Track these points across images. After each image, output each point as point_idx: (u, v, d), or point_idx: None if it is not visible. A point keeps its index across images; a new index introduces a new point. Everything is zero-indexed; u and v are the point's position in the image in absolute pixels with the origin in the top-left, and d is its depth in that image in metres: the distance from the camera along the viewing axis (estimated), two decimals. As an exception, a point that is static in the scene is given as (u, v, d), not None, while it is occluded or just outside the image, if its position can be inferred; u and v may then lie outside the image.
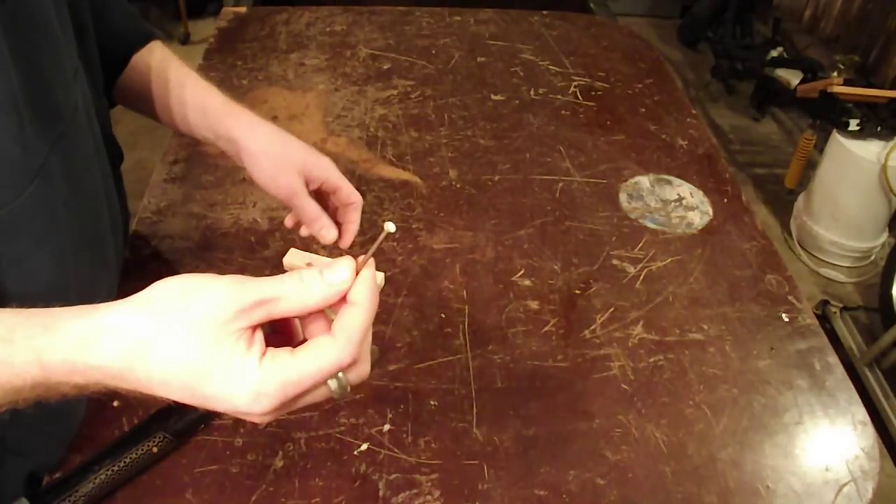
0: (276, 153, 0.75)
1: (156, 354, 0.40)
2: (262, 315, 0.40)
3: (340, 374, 0.42)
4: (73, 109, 0.65)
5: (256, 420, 0.41)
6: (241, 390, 0.39)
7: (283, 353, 0.41)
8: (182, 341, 0.39)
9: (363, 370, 0.43)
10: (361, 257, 0.43)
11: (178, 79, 0.80)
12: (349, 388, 0.42)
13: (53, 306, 0.42)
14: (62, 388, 0.41)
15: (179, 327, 0.40)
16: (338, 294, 0.43)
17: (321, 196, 0.77)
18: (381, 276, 0.86)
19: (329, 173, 0.76)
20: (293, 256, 0.79)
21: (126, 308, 0.41)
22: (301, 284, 0.42)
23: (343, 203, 0.76)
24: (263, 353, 0.40)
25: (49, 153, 0.60)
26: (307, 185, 0.75)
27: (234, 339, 0.40)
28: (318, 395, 0.42)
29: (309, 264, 0.78)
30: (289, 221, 0.80)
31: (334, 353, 0.41)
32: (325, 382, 0.41)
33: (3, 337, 0.40)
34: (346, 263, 0.42)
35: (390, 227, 0.43)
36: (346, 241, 0.76)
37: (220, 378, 0.39)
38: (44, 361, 0.40)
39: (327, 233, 0.75)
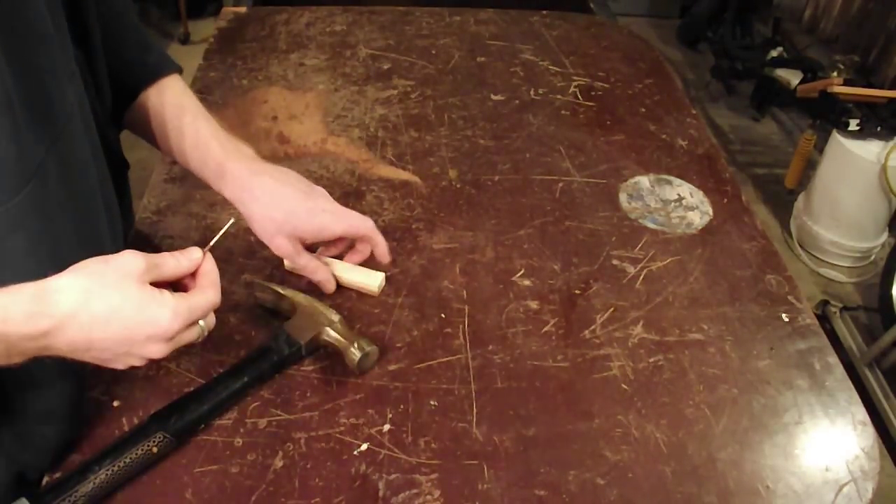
0: (266, 219, 0.79)
1: (99, 297, 0.55)
2: (156, 274, 0.60)
3: (201, 322, 0.63)
4: (70, 112, 0.65)
5: (162, 347, 0.59)
6: (165, 311, 0.58)
7: (183, 294, 0.62)
8: (116, 286, 0.56)
9: (212, 319, 0.65)
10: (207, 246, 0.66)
11: (181, 128, 0.81)
12: (206, 332, 0.64)
13: None
14: (19, 344, 0.53)
15: (111, 279, 0.56)
16: (195, 264, 0.64)
17: None
18: (381, 276, 0.87)
19: (322, 235, 0.82)
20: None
21: (66, 273, 0.56)
22: (174, 259, 0.62)
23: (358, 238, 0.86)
24: (171, 294, 0.60)
25: (45, 155, 0.60)
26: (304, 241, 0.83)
27: (148, 284, 0.59)
28: (192, 334, 0.62)
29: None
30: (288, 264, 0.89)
31: (212, 292, 0.63)
32: (197, 323, 0.62)
33: None
34: (198, 249, 0.65)
35: (231, 222, 0.70)
36: (385, 259, 0.87)
37: (149, 306, 0.58)
38: (6, 315, 0.52)
39: (326, 285, 0.86)
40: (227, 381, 0.72)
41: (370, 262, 0.88)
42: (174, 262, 0.62)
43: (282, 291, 0.82)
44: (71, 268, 0.56)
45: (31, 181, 0.58)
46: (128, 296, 0.57)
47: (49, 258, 0.61)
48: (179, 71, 0.86)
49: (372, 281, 0.87)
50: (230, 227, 0.69)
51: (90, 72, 0.74)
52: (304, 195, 0.81)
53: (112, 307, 0.56)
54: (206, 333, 0.64)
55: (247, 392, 0.74)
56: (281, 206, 0.79)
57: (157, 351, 0.59)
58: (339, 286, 0.87)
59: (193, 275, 0.64)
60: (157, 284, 0.60)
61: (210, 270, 0.65)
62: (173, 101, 0.82)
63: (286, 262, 0.89)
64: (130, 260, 0.58)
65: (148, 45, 0.85)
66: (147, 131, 0.84)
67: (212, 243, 0.66)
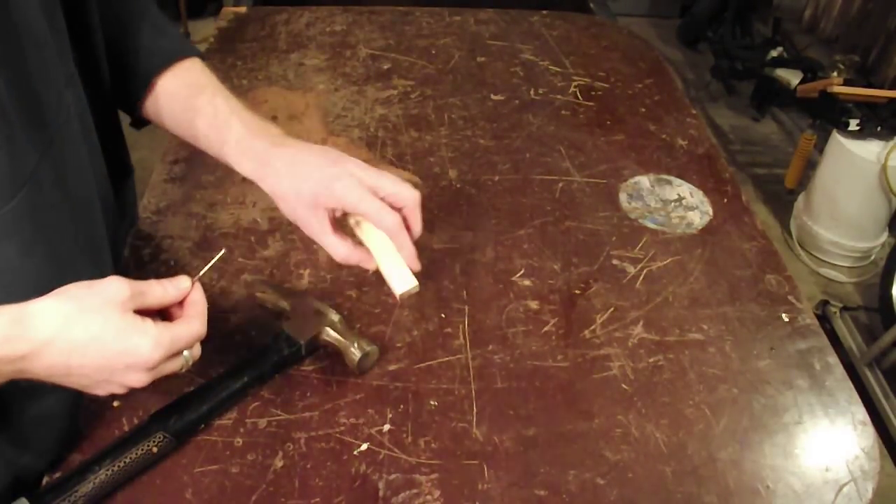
0: (287, 194, 0.70)
1: (78, 324, 0.54)
2: (140, 301, 0.58)
3: (186, 352, 0.61)
4: (66, 116, 0.64)
5: (142, 376, 0.58)
6: (146, 341, 0.56)
7: (167, 323, 0.59)
8: (98, 312, 0.55)
9: (198, 350, 0.63)
10: (196, 276, 0.64)
11: (197, 107, 0.75)
12: (191, 362, 0.62)
13: None
14: None
15: (93, 305, 0.55)
16: (183, 293, 0.62)
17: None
18: (413, 283, 0.72)
19: (346, 201, 0.69)
20: None
21: (47, 297, 0.54)
22: (161, 287, 0.60)
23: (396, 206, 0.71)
24: (154, 323, 0.58)
25: (39, 160, 0.59)
26: (333, 212, 0.71)
27: (132, 312, 0.57)
28: (175, 364, 0.60)
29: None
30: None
31: (198, 323, 0.61)
32: (181, 353, 0.60)
33: None
34: (186, 278, 0.62)
35: (221, 252, 0.67)
36: (416, 231, 0.74)
37: (130, 335, 0.56)
38: None
39: (366, 264, 0.73)
40: (227, 382, 0.72)
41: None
42: (161, 291, 0.60)
43: (281, 292, 0.82)
44: (54, 292, 0.55)
45: (24, 187, 0.57)
46: (109, 323, 0.55)
47: (46, 263, 0.61)
48: (199, 55, 0.80)
49: (399, 285, 0.71)
50: (220, 258, 0.66)
51: (90, 73, 0.73)
52: (329, 161, 0.70)
53: (91, 334, 0.54)
54: (190, 364, 0.62)
55: (247, 392, 0.74)
56: (299, 173, 0.69)
57: (137, 380, 0.58)
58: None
59: (181, 303, 0.62)
60: (143, 312, 0.58)
61: (198, 301, 0.62)
62: (189, 82, 0.77)
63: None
64: (115, 286, 0.56)
65: (163, 29, 0.80)
66: (162, 117, 0.78)
67: (201, 273, 0.64)
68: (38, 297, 0.54)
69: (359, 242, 0.73)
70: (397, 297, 0.72)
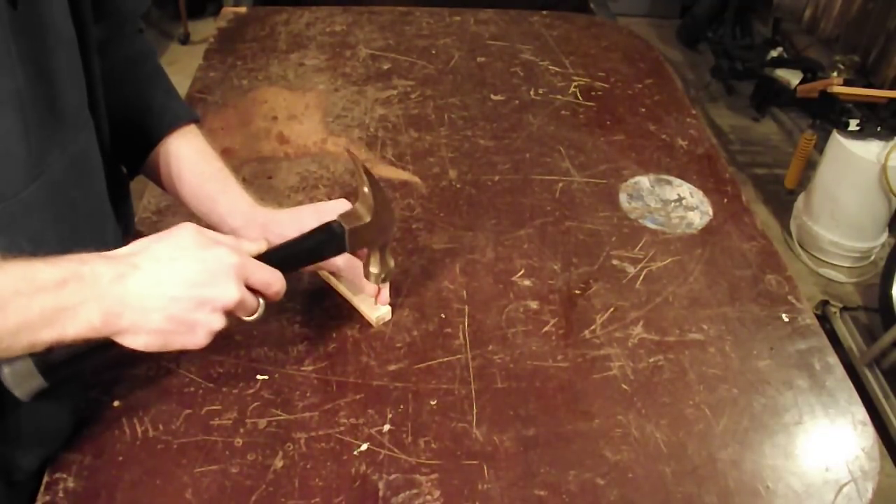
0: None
1: (159, 242, 0.61)
2: (208, 235, 0.63)
3: (261, 301, 0.64)
4: (85, 118, 0.66)
5: (231, 288, 0.60)
6: (222, 249, 0.61)
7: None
8: (172, 234, 0.62)
9: (279, 294, 0.66)
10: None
11: (207, 172, 0.81)
12: (262, 311, 0.65)
13: None
14: (98, 299, 0.56)
15: (165, 234, 0.62)
16: (257, 250, 0.66)
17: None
18: (385, 309, 0.84)
19: (329, 265, 0.80)
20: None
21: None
22: (232, 238, 0.65)
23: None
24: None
25: (56, 155, 0.61)
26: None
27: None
28: (251, 303, 0.63)
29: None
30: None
31: (276, 274, 0.65)
32: (257, 296, 0.64)
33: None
34: (264, 241, 0.68)
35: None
36: (382, 299, 0.83)
37: (208, 243, 0.61)
38: (94, 271, 0.56)
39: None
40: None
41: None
42: (231, 239, 0.64)
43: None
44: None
45: (36, 180, 0.59)
46: (185, 237, 0.61)
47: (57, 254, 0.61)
48: (197, 120, 0.85)
49: (372, 312, 0.83)
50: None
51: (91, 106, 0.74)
52: (311, 209, 0.79)
53: (174, 244, 0.60)
54: (261, 312, 0.64)
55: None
56: (277, 220, 0.78)
57: (227, 289, 0.60)
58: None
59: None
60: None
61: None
62: (198, 147, 0.82)
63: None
64: (183, 224, 0.62)
65: (171, 91, 0.84)
66: (162, 177, 0.82)
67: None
68: None
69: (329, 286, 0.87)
70: (374, 322, 0.83)
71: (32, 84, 0.57)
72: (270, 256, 0.68)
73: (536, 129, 1.20)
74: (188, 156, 0.80)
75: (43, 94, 0.59)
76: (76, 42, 0.64)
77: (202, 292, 0.59)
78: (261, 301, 0.64)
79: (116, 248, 0.69)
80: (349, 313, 0.85)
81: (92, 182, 0.68)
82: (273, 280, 0.65)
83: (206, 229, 0.63)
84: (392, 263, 0.80)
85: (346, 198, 0.99)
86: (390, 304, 0.85)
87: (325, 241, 0.73)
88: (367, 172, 0.74)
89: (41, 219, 0.61)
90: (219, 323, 0.61)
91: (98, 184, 0.70)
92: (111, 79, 0.73)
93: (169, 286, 0.58)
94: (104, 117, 0.77)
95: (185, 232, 0.61)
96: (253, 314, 0.64)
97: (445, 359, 0.81)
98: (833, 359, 0.86)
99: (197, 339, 0.60)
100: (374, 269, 0.78)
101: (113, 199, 0.76)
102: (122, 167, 0.85)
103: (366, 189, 0.74)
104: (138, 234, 0.93)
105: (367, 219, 0.74)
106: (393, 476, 0.69)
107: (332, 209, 0.76)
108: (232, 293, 0.60)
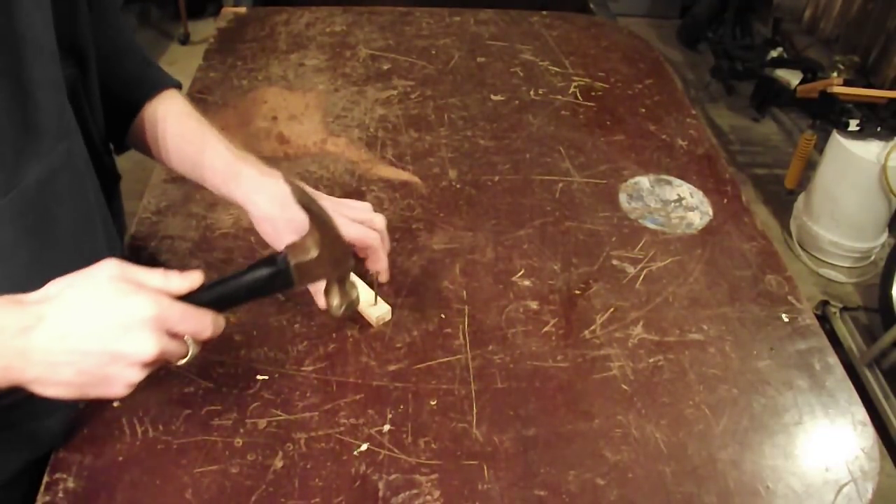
0: (275, 218, 0.75)
1: (73, 288, 0.55)
2: (132, 276, 0.58)
3: (190, 341, 0.60)
4: (66, 126, 0.65)
5: (147, 343, 0.55)
6: (142, 297, 0.55)
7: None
8: (90, 278, 0.56)
9: (200, 344, 0.62)
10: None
11: (184, 134, 0.80)
12: (193, 353, 0.61)
13: None
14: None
15: (84, 276, 0.56)
16: (189, 287, 0.61)
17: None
18: (385, 308, 0.83)
19: None
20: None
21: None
22: (161, 275, 0.59)
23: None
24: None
25: (32, 167, 0.60)
26: None
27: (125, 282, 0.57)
28: (178, 348, 0.59)
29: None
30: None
31: (208, 315, 0.60)
32: (184, 338, 0.59)
33: None
34: (200, 274, 0.62)
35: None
36: (383, 277, 0.82)
37: (126, 293, 0.55)
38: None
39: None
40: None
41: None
42: (159, 278, 0.59)
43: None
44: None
45: (11, 192, 0.58)
46: (102, 287, 0.55)
47: (21, 271, 0.62)
48: (178, 86, 0.86)
49: (373, 311, 0.82)
50: None
51: (84, 89, 0.74)
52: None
53: (88, 296, 0.54)
54: (192, 355, 0.60)
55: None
56: (281, 201, 0.75)
57: (143, 344, 0.55)
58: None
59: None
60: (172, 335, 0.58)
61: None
62: (176, 110, 0.81)
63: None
64: (105, 263, 0.57)
65: (148, 60, 0.85)
66: (148, 143, 0.82)
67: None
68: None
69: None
70: (374, 323, 0.82)
71: (7, 97, 0.57)
72: (205, 294, 0.63)
73: (536, 129, 1.20)
74: (170, 118, 0.80)
75: (18, 106, 0.58)
76: (56, 52, 0.63)
77: (114, 347, 0.54)
78: (191, 344, 0.60)
79: (111, 253, 0.68)
80: (349, 313, 0.85)
81: (77, 189, 0.68)
82: (202, 328, 0.59)
83: (130, 268, 0.57)
84: (355, 294, 0.75)
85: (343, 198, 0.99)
86: (390, 304, 0.85)
87: (269, 276, 0.67)
88: (313, 203, 0.67)
89: (12, 232, 0.60)
90: (136, 376, 0.57)
91: (85, 190, 0.70)
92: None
93: (76, 340, 0.54)
94: (97, 123, 0.77)
95: (102, 275, 0.56)
96: (182, 359, 0.60)
97: (445, 359, 0.81)
98: (833, 359, 0.86)
99: (114, 390, 0.57)
100: (334, 302, 0.74)
101: (106, 200, 0.76)
102: (114, 165, 0.85)
103: (312, 222, 0.69)
104: (138, 234, 0.94)
105: (315, 253, 0.68)
106: (393, 476, 0.69)
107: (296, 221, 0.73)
108: (147, 348, 0.55)
